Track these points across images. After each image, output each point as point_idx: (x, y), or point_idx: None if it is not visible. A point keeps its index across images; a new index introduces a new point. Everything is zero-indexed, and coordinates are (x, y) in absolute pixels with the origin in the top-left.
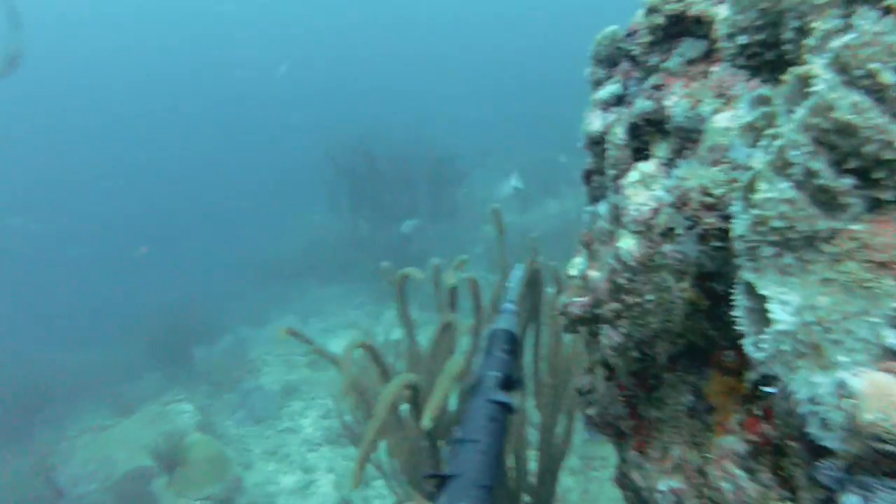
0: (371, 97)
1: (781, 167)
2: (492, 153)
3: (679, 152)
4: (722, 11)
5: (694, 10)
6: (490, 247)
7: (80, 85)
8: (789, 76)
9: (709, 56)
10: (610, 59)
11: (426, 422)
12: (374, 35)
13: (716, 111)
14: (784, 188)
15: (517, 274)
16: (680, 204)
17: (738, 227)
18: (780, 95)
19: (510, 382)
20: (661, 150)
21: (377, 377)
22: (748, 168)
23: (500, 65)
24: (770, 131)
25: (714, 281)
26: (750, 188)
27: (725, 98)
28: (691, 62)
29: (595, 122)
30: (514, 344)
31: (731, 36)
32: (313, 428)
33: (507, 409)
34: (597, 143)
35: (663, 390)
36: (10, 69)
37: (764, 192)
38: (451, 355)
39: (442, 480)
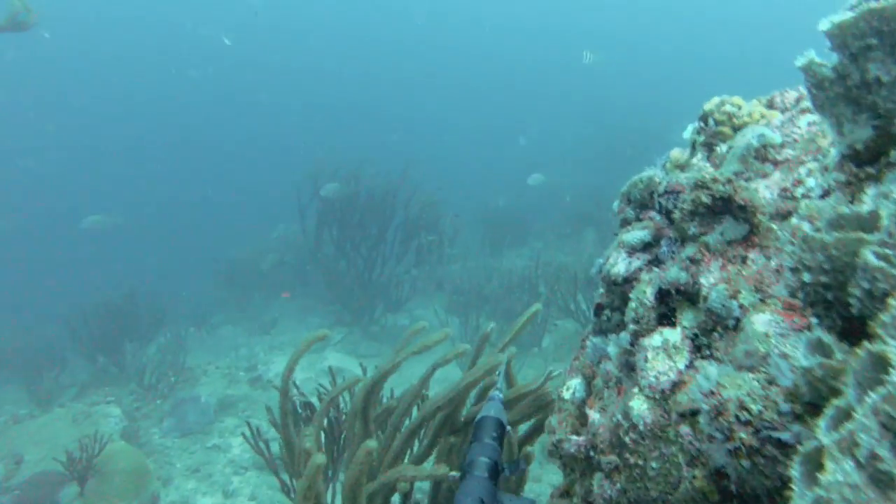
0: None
1: (849, 448)
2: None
3: (708, 332)
4: (765, 195)
5: (741, 196)
6: (451, 297)
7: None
8: (863, 352)
9: (747, 239)
10: (642, 203)
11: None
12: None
13: (754, 308)
14: (849, 470)
15: (503, 362)
16: (716, 413)
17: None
18: (853, 370)
19: (498, 469)
20: (688, 320)
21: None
22: (793, 397)
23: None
24: (837, 403)
25: (730, 481)
26: (813, 461)
27: (763, 294)
28: (730, 243)
29: (619, 264)
30: (502, 431)
31: (794, 270)
32: (242, 449)
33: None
34: (615, 283)
35: None
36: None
37: (832, 473)
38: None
39: None
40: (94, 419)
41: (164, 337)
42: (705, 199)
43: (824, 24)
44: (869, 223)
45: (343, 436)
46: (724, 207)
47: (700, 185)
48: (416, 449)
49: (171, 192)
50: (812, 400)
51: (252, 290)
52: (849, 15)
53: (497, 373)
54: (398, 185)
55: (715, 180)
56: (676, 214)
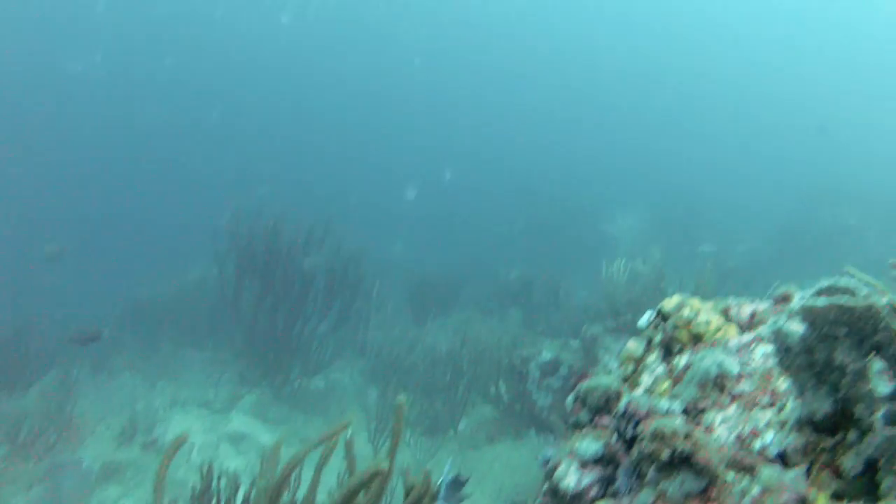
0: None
1: None
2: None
3: None
4: (722, 434)
5: (700, 456)
6: (373, 364)
7: None
8: None
9: (706, 492)
10: (597, 408)
11: None
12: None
13: None
14: None
15: (447, 469)
16: None
17: None
18: None
19: None
20: None
21: None
22: None
23: None
24: None
25: None
26: None
27: None
28: (688, 495)
29: (570, 476)
30: None
31: None
32: None
33: None
34: (563, 496)
35: None
36: None
37: None
38: None
39: None
40: None
41: (52, 378)
42: (665, 454)
43: (795, 303)
44: None
45: None
46: (682, 462)
47: (660, 437)
48: None
49: (81, 213)
50: None
51: (161, 336)
52: (821, 301)
53: (440, 481)
54: (321, 240)
55: (675, 435)
56: (635, 453)
